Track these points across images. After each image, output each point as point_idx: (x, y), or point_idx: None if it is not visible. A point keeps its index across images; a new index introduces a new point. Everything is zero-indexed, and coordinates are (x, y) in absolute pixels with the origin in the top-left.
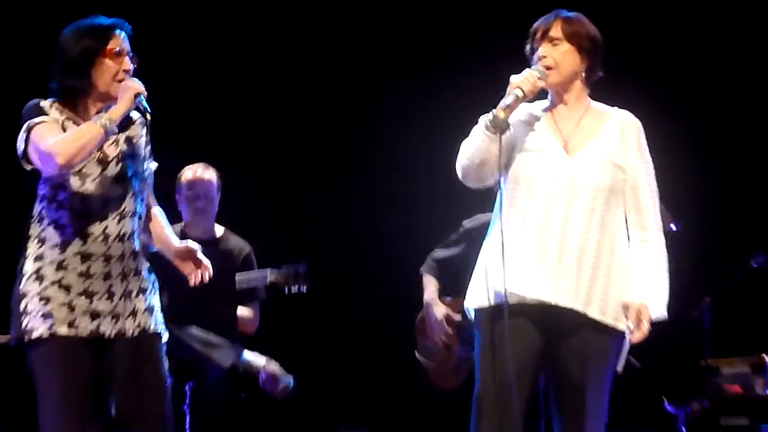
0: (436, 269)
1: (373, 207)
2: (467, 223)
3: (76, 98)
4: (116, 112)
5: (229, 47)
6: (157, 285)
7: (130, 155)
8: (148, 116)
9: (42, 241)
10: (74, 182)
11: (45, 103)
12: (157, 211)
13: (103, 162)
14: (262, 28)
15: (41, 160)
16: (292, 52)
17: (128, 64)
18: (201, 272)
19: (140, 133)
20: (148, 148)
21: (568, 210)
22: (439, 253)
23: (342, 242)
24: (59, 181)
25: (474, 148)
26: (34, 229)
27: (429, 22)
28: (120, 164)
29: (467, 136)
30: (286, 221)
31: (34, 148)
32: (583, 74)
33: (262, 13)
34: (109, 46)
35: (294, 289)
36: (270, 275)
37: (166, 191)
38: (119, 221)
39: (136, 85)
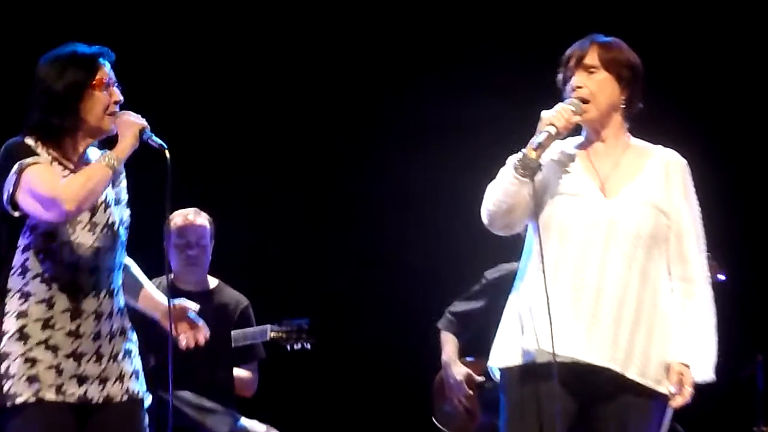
0: (455, 325)
1: (386, 253)
2: (490, 274)
3: (62, 136)
4: (122, 150)
5: (223, 78)
6: (137, 345)
7: (115, 200)
8: (167, 152)
9: (26, 296)
10: (65, 231)
11: (31, 141)
12: (132, 264)
13: (92, 208)
14: (256, 60)
15: (43, 205)
16: (291, 82)
17: (118, 94)
18: (195, 335)
19: (121, 176)
20: (126, 193)
21: (605, 259)
22: (459, 306)
23: (350, 293)
24: (48, 230)
25: (502, 193)
26: (15, 283)
27: (443, 56)
28: (107, 210)
29: (494, 177)
30: (287, 271)
31: (29, 192)
32: (623, 106)
33: (265, 49)
34: (98, 77)
35: (297, 346)
36: (270, 332)
37: (150, 238)
38: (109, 275)
39: (137, 120)
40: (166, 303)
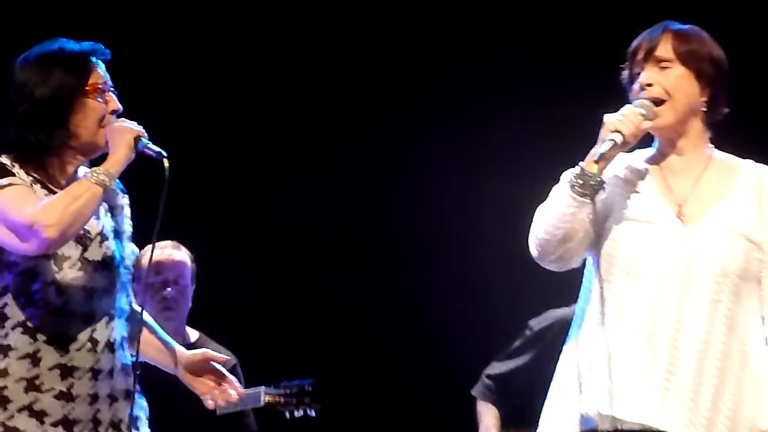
0: (494, 392)
1: (405, 298)
2: (536, 324)
3: (47, 154)
4: (114, 163)
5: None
6: (146, 412)
7: (114, 232)
8: (166, 162)
9: (5, 351)
10: (49, 269)
11: (6, 160)
12: (139, 308)
13: (83, 240)
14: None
15: (19, 234)
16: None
17: (115, 103)
18: (224, 393)
19: (122, 203)
20: (130, 224)
21: (683, 301)
22: (497, 367)
23: (362, 347)
24: (28, 267)
25: (556, 216)
26: None
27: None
28: (103, 244)
29: (544, 198)
30: (285, 319)
31: (1, 220)
32: (704, 110)
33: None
34: (91, 81)
35: (298, 413)
36: (264, 395)
37: None
38: (108, 323)
39: (132, 126)
40: (188, 353)
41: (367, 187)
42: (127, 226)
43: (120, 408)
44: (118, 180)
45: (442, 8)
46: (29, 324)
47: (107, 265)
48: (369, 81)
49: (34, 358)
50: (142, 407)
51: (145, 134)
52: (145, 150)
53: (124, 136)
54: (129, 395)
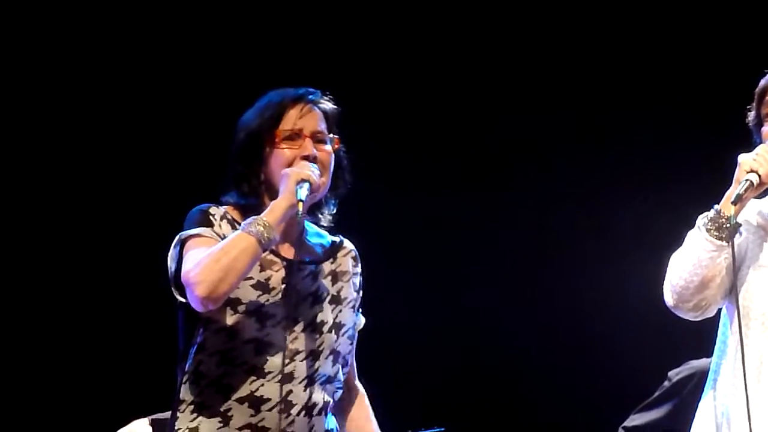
0: None
1: (541, 336)
2: (675, 375)
3: (257, 201)
4: (271, 211)
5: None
6: None
7: (331, 296)
8: (300, 205)
9: (198, 409)
10: (250, 327)
11: (219, 209)
12: (362, 390)
13: (289, 301)
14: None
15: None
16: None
17: (309, 148)
18: None
19: (352, 270)
20: (356, 293)
21: None
22: (635, 420)
23: (496, 395)
24: (227, 325)
25: (693, 262)
26: (187, 392)
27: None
28: (315, 306)
29: (678, 246)
30: (414, 364)
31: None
32: None
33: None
34: (281, 128)
35: None
36: None
37: None
38: (307, 386)
39: (301, 170)
40: None
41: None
42: (350, 293)
43: None
44: (354, 248)
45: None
46: (223, 383)
47: (316, 329)
48: None
49: (225, 417)
50: None
51: (312, 178)
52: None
53: (289, 182)
54: None
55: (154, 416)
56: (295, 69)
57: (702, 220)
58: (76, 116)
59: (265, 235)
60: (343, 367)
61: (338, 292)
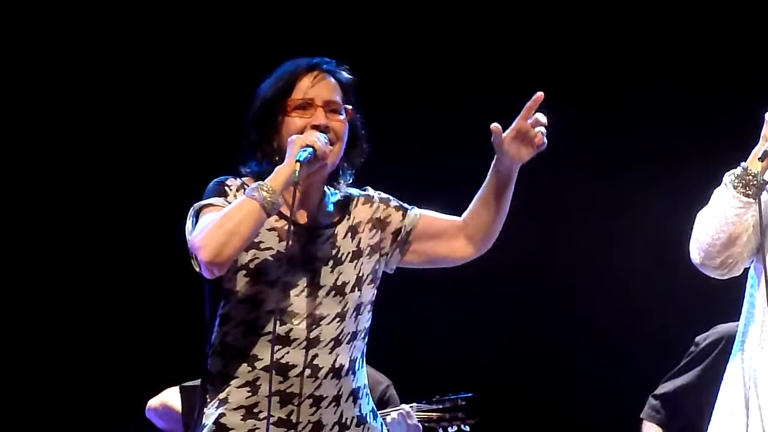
0: (660, 412)
1: (565, 306)
2: (703, 339)
3: (270, 169)
4: (275, 176)
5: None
6: None
7: (355, 252)
8: (298, 165)
9: (226, 380)
10: (273, 297)
11: (236, 180)
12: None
13: (312, 266)
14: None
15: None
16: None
17: (320, 117)
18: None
19: (366, 215)
20: (374, 236)
21: None
22: (664, 387)
23: (524, 361)
24: (249, 295)
25: (720, 219)
26: (215, 363)
27: None
28: (338, 269)
29: (705, 203)
30: (442, 333)
31: None
32: None
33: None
34: (293, 97)
35: (452, 429)
36: (416, 413)
37: None
38: (333, 349)
39: (305, 137)
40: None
41: None
42: (371, 239)
43: None
44: (366, 191)
45: None
46: (249, 351)
47: (338, 291)
48: None
49: (253, 386)
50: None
51: (318, 144)
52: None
53: (293, 148)
54: (363, 423)
55: (183, 384)
56: (314, 39)
57: (729, 177)
58: (96, 89)
59: (269, 199)
60: (363, 317)
61: (358, 245)
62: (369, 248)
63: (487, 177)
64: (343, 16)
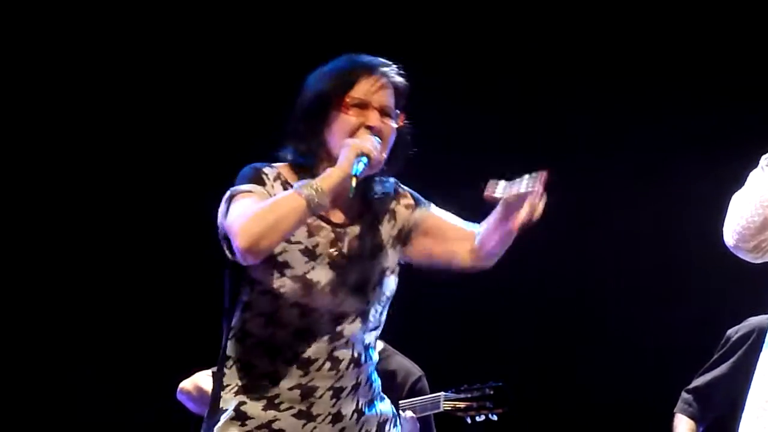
0: (693, 406)
1: (599, 295)
2: (735, 332)
3: (314, 163)
4: (326, 178)
5: None
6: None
7: (377, 247)
8: (354, 180)
9: (246, 369)
10: (295, 290)
11: (272, 170)
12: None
13: (337, 263)
14: None
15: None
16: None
17: (374, 119)
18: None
19: (386, 209)
20: (393, 229)
21: None
22: (696, 381)
23: (553, 350)
24: (271, 288)
25: (755, 202)
26: (234, 349)
27: None
28: (361, 267)
29: (740, 185)
30: (471, 322)
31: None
32: None
33: None
34: (351, 95)
35: (480, 418)
36: (444, 401)
37: None
38: (354, 343)
39: (362, 143)
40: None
41: None
42: (388, 232)
43: (370, 419)
44: (391, 187)
45: None
46: (272, 343)
47: (362, 289)
48: None
49: (274, 377)
50: (391, 413)
51: (374, 153)
52: (356, 166)
53: (349, 153)
54: (373, 398)
55: (215, 368)
56: (321, 39)
57: (765, 160)
58: (96, 88)
59: (316, 200)
60: (379, 310)
61: (380, 239)
62: (390, 240)
63: (498, 206)
64: (359, 14)
